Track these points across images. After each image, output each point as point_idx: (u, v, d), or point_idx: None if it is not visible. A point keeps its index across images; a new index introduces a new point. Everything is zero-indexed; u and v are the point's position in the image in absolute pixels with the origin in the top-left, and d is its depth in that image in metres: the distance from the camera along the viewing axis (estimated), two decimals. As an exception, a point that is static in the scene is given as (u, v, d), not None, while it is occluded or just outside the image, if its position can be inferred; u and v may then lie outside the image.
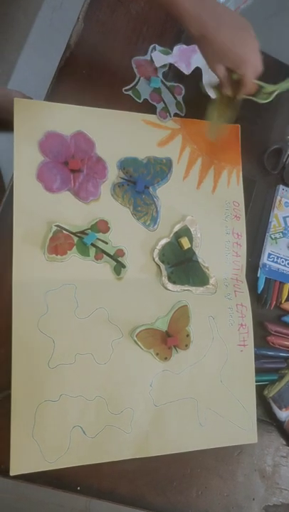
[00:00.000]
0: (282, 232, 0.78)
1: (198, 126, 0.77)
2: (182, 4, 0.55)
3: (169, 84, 0.76)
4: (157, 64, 0.75)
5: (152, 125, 0.74)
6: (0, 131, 0.84)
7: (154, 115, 0.74)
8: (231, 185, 0.77)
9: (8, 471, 0.58)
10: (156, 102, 0.75)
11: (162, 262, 0.69)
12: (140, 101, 0.74)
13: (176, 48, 0.77)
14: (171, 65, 0.76)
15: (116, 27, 0.75)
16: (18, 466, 0.58)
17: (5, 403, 0.59)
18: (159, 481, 0.65)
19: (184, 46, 0.77)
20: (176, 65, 0.76)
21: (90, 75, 0.72)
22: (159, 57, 0.75)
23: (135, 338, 0.65)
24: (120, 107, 0.72)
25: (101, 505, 0.63)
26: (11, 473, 0.58)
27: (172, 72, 0.77)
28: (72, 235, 0.66)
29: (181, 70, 0.76)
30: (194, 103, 0.77)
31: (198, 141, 0.76)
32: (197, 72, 0.76)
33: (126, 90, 0.73)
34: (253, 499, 0.69)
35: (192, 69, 0.76)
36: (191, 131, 0.76)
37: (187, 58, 0.77)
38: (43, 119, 0.67)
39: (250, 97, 0.65)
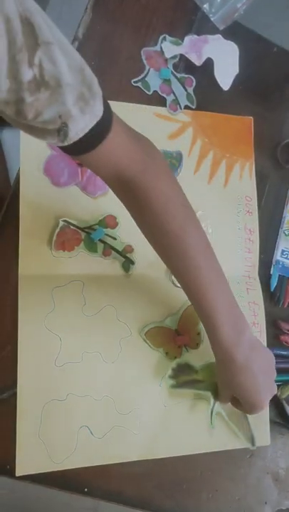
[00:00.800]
0: (296, 228, 0.76)
1: (209, 119, 0.75)
2: (221, 329, 0.53)
3: (179, 75, 0.74)
4: (167, 55, 0.73)
5: (163, 118, 0.72)
6: (7, 125, 0.83)
7: (165, 108, 0.73)
8: (243, 180, 0.75)
9: (14, 471, 0.57)
10: (166, 94, 0.73)
11: (172, 258, 0.67)
12: (150, 93, 0.72)
13: (187, 39, 0.74)
14: (181, 56, 0.74)
15: (125, 17, 0.74)
16: (24, 466, 0.57)
17: (11, 402, 0.58)
18: (168, 484, 0.63)
19: (195, 36, 0.75)
20: (186, 55, 0.74)
21: (98, 66, 0.70)
22: (169, 47, 0.73)
23: (144, 337, 0.64)
24: (129, 99, 0.70)
25: (109, 507, 0.62)
26: (17, 474, 0.57)
27: (183, 64, 0.75)
28: (79, 231, 0.64)
29: (192, 61, 0.74)
30: (205, 95, 0.75)
31: (210, 134, 0.74)
32: (209, 63, 0.74)
33: (135, 82, 0.72)
34: (266, 503, 0.67)
35: (203, 60, 0.74)
36: (202, 124, 0.74)
37: (198, 49, 0.74)
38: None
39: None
